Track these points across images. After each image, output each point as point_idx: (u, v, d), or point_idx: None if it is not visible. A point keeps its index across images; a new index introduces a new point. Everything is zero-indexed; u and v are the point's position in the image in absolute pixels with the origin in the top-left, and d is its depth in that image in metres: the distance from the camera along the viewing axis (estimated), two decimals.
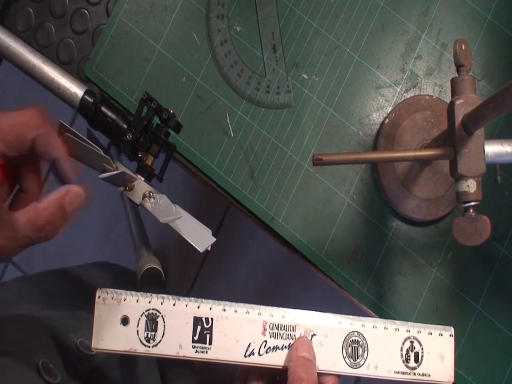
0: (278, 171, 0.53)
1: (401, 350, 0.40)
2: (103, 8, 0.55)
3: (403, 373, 0.40)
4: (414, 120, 0.51)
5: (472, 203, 0.38)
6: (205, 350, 0.40)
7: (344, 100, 0.53)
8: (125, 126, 0.46)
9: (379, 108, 0.53)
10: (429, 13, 0.53)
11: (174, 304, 0.40)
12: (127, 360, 0.58)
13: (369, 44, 0.53)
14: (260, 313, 0.40)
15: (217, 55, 0.53)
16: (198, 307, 0.40)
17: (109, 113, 0.46)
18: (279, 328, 0.40)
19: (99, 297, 0.40)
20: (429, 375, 0.40)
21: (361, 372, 0.40)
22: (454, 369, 0.41)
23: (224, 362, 0.40)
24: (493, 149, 0.39)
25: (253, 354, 0.40)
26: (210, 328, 0.40)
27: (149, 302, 0.40)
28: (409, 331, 0.41)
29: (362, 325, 0.41)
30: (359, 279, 0.52)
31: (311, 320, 0.41)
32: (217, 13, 0.54)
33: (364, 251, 0.52)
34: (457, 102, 0.38)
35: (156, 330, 0.40)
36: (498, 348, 0.51)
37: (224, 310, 0.40)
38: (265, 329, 0.40)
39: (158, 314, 0.40)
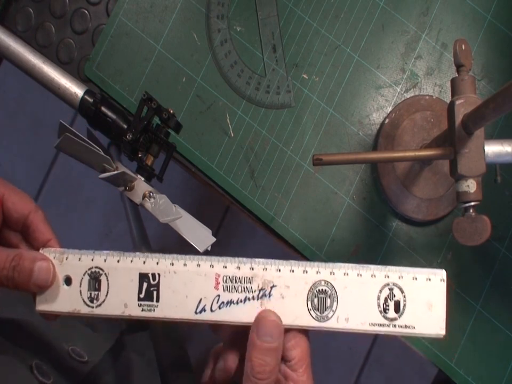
0: (278, 171, 0.53)
1: (378, 299, 0.35)
2: (103, 8, 0.55)
3: (380, 325, 0.35)
4: (414, 120, 0.51)
5: (472, 203, 0.38)
6: (152, 308, 0.37)
7: (344, 100, 0.53)
8: (125, 126, 0.46)
9: (379, 108, 0.53)
10: (429, 13, 0.53)
11: (118, 261, 0.37)
12: (121, 367, 0.58)
13: (369, 43, 0.53)
14: (212, 266, 0.37)
15: (217, 55, 0.53)
16: (144, 262, 0.37)
17: (109, 113, 0.46)
18: (234, 281, 0.36)
19: None
20: (413, 327, 0.35)
21: (330, 325, 0.36)
22: (446, 321, 0.35)
23: (173, 320, 0.37)
24: (493, 149, 0.39)
25: (205, 310, 0.36)
26: (157, 285, 0.37)
27: (92, 260, 0.37)
28: (388, 277, 0.36)
29: (331, 273, 0.36)
30: None
31: (271, 270, 0.36)
32: (217, 13, 0.54)
33: (364, 251, 0.52)
34: (457, 102, 0.38)
35: (99, 289, 0.37)
36: (498, 348, 0.51)
37: (172, 264, 0.37)
38: (218, 283, 0.36)
39: (101, 272, 0.37)
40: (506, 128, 0.52)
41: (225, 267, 0.37)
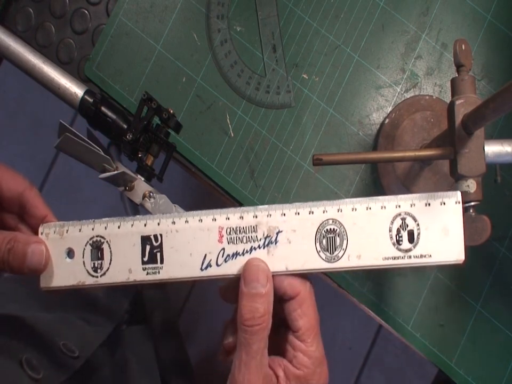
0: (278, 171, 0.53)
1: (390, 231, 0.33)
2: (103, 8, 0.55)
3: (394, 258, 0.33)
4: (414, 120, 0.51)
5: (472, 203, 0.38)
6: (157, 270, 0.36)
7: (344, 100, 0.53)
8: (125, 126, 0.46)
9: (379, 108, 0.53)
10: (429, 13, 0.53)
11: (118, 227, 0.36)
12: (116, 364, 0.58)
13: (369, 43, 0.53)
14: (214, 219, 0.35)
15: (217, 55, 0.53)
16: (145, 225, 0.36)
17: (109, 113, 0.46)
18: (238, 232, 0.35)
19: (42, 233, 0.37)
20: (430, 256, 0.33)
21: (341, 265, 0.34)
22: (465, 245, 0.33)
23: (179, 279, 0.36)
24: (493, 149, 0.39)
25: (210, 266, 0.35)
26: (160, 246, 0.36)
27: (92, 229, 0.36)
28: (399, 206, 0.33)
29: (338, 210, 0.34)
30: (359, 279, 0.52)
31: (275, 215, 0.35)
32: (217, 13, 0.54)
33: None
34: (457, 102, 0.38)
35: (102, 258, 0.36)
36: (498, 348, 0.51)
37: (174, 222, 0.35)
38: (221, 236, 0.35)
39: (102, 240, 0.36)
40: (506, 128, 0.52)
41: (228, 218, 0.35)
